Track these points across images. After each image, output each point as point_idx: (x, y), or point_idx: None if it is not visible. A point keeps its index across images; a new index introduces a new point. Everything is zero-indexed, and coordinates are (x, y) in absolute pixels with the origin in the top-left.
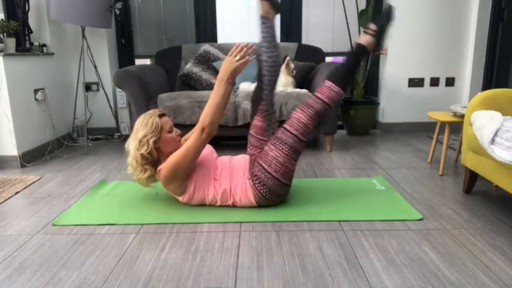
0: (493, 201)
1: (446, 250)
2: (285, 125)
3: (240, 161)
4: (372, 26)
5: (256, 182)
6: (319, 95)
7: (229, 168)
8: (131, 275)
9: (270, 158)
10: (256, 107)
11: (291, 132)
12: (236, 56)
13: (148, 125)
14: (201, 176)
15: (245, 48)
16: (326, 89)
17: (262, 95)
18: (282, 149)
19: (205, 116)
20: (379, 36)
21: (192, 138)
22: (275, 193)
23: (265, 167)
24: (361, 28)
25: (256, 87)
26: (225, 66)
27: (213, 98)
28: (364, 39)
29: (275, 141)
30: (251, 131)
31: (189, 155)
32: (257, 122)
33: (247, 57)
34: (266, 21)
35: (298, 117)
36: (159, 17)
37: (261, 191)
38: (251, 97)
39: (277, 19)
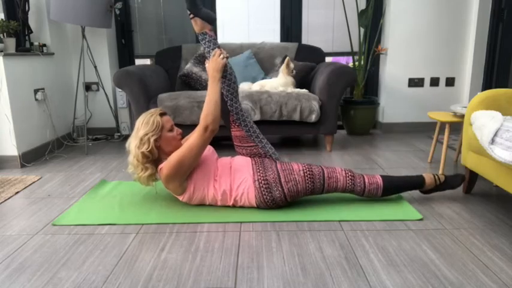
0: (493, 201)
1: (446, 250)
2: (326, 171)
3: (242, 162)
4: (442, 178)
5: (264, 185)
6: (367, 183)
7: (230, 170)
8: (131, 275)
9: (293, 178)
10: (228, 120)
11: (324, 181)
12: (220, 55)
13: (150, 124)
14: (201, 176)
15: (221, 50)
16: (375, 186)
17: (227, 107)
18: (307, 182)
19: (207, 114)
20: (439, 189)
21: (195, 136)
22: (276, 203)
23: (282, 180)
24: (361, 28)
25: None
26: (214, 65)
27: (211, 96)
28: (429, 180)
29: (308, 172)
30: (235, 143)
31: (193, 153)
32: (236, 132)
33: (225, 53)
34: (205, 36)
35: (338, 179)
36: (159, 17)
37: (264, 196)
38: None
39: (277, 19)
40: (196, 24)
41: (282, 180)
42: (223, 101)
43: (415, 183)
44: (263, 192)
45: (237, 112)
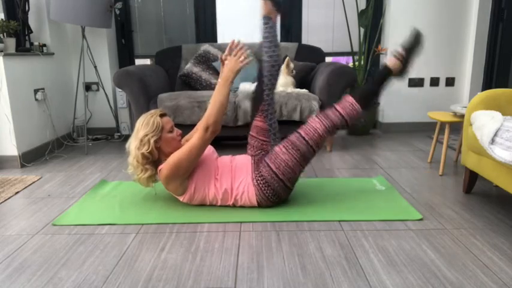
0: (493, 201)
1: (446, 250)
2: (301, 131)
3: (242, 161)
4: (400, 51)
5: (261, 182)
6: (340, 109)
7: (231, 168)
8: (131, 275)
9: (280, 160)
10: (257, 108)
11: (305, 140)
12: (240, 56)
13: (149, 125)
14: (202, 175)
15: (245, 48)
16: (348, 104)
17: (263, 95)
18: (294, 154)
19: (210, 115)
20: (406, 61)
21: (195, 136)
22: (277, 195)
23: (273, 168)
24: (361, 28)
25: (257, 88)
26: (231, 66)
27: (217, 97)
28: (391, 62)
29: (288, 145)
30: (252, 132)
31: (192, 154)
32: (258, 122)
33: (249, 58)
34: (268, 21)
35: (315, 128)
36: (159, 17)
37: (264, 191)
38: (251, 97)
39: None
40: (266, 7)
41: (273, 168)
42: (259, 89)
43: (382, 75)
44: (262, 188)
45: (270, 103)
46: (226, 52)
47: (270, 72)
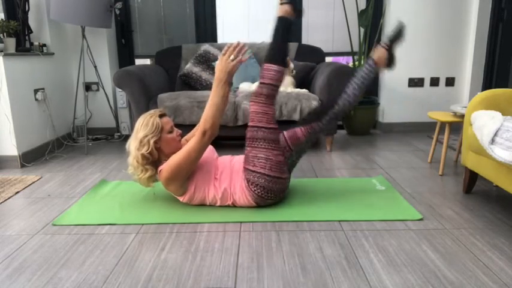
0: (493, 201)
1: (446, 250)
2: (249, 123)
3: (241, 161)
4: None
5: (250, 183)
6: (261, 80)
7: (230, 168)
8: (131, 275)
9: (251, 158)
10: (310, 121)
11: (255, 126)
12: (230, 55)
13: (149, 125)
14: (201, 176)
15: (238, 48)
16: (265, 71)
17: (324, 117)
18: (257, 145)
19: (206, 118)
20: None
21: (193, 140)
22: (270, 190)
23: (251, 167)
24: (361, 28)
25: (325, 106)
26: (221, 66)
27: (213, 99)
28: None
29: (248, 142)
30: (286, 133)
31: (191, 157)
32: (299, 132)
33: (241, 56)
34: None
35: (254, 110)
36: (159, 17)
37: (256, 192)
38: (313, 110)
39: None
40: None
41: (251, 168)
42: (328, 108)
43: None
44: (253, 189)
45: (321, 128)
46: (222, 53)
47: (348, 101)
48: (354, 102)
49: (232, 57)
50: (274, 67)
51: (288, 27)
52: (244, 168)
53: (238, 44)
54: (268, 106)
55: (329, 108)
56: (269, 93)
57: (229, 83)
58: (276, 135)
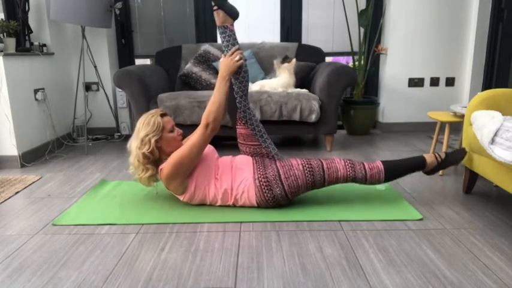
0: (493, 201)
1: (446, 250)
2: (324, 163)
3: (242, 161)
4: (443, 155)
5: (264, 183)
6: (367, 169)
7: (231, 168)
8: (131, 275)
9: (292, 173)
10: (235, 117)
11: (324, 173)
12: (236, 56)
13: (150, 125)
14: (202, 174)
15: (241, 51)
16: (376, 169)
17: (235, 103)
18: (307, 176)
19: (209, 112)
20: (441, 166)
21: (196, 134)
22: (276, 201)
23: (282, 176)
24: (361, 28)
25: (229, 97)
26: (226, 64)
27: (216, 95)
28: (430, 159)
29: (306, 166)
30: (239, 140)
31: (193, 152)
32: (240, 129)
33: (244, 58)
34: (225, 30)
35: (338, 169)
36: (159, 17)
37: (265, 193)
38: (227, 107)
39: (277, 19)
40: (219, 17)
41: (282, 176)
42: (232, 98)
43: (416, 163)
44: (263, 190)
45: (245, 110)
46: (227, 54)
47: (237, 79)
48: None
49: (237, 58)
50: (381, 176)
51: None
52: (275, 166)
53: (239, 49)
54: (344, 180)
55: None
56: (355, 178)
57: (229, 81)
58: (319, 186)
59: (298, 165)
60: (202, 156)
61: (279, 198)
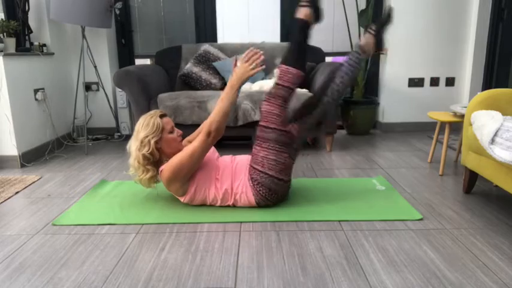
0: (493, 201)
1: (446, 250)
2: (261, 122)
3: (242, 161)
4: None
5: (255, 183)
6: (279, 81)
7: (231, 168)
8: (131, 275)
9: (261, 158)
10: (302, 116)
11: (268, 127)
12: (252, 63)
13: (150, 126)
14: (202, 176)
15: (258, 55)
16: (283, 73)
17: (315, 109)
18: (268, 146)
19: (213, 121)
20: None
21: (197, 141)
22: (274, 192)
23: (259, 168)
24: (361, 28)
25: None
26: (240, 73)
27: (223, 103)
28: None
29: (259, 141)
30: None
31: (194, 158)
32: (292, 129)
33: (260, 67)
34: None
35: (267, 110)
36: (159, 17)
37: (260, 192)
38: (304, 104)
39: (277, 19)
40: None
41: (260, 168)
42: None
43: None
44: (258, 189)
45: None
46: (243, 57)
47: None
48: (343, 91)
49: (253, 65)
50: (293, 70)
51: (307, 31)
52: (251, 167)
53: (259, 53)
54: (283, 108)
55: (319, 99)
56: (285, 96)
57: (238, 90)
58: (287, 138)
59: (256, 147)
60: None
61: (275, 187)
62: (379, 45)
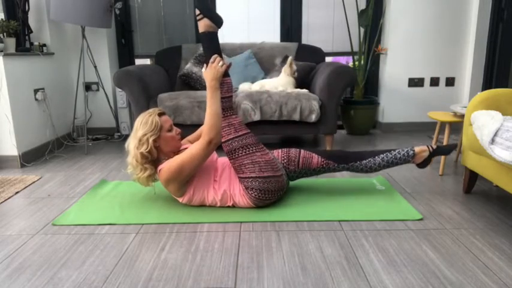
0: (493, 201)
1: (446, 250)
2: (221, 141)
3: None
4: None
5: (248, 189)
6: (223, 95)
7: (230, 170)
8: (131, 275)
9: (238, 167)
10: (331, 159)
11: (226, 141)
12: (219, 62)
13: (148, 124)
14: (201, 178)
15: (220, 58)
16: (223, 85)
17: (345, 163)
18: (238, 155)
19: (210, 127)
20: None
21: (198, 146)
22: (267, 190)
23: (242, 175)
24: (361, 28)
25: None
26: (212, 74)
27: (212, 107)
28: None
29: (228, 156)
30: (303, 152)
31: (194, 162)
32: (315, 160)
33: (226, 62)
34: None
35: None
36: (159, 17)
37: (253, 195)
38: (341, 152)
39: (277, 19)
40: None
41: (242, 175)
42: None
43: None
44: (249, 192)
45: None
46: (209, 64)
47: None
48: (373, 171)
49: (221, 63)
50: (227, 80)
51: (216, 39)
52: (239, 178)
53: (216, 58)
54: (230, 117)
55: (354, 160)
56: (226, 106)
57: (219, 88)
58: (250, 138)
59: (231, 161)
60: None
61: (265, 186)
62: (425, 164)
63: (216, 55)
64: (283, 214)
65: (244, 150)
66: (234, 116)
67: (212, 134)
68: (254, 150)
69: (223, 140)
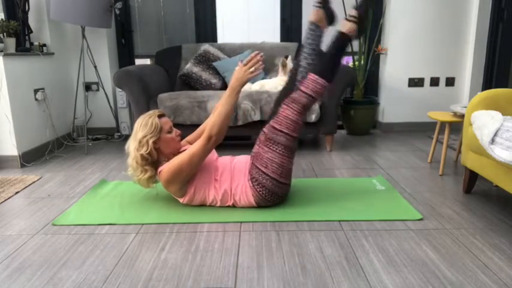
0: (493, 201)
1: (446, 250)
2: (274, 124)
3: (242, 161)
4: (353, 13)
5: (255, 183)
6: (304, 89)
7: (230, 169)
8: (131, 275)
9: (266, 159)
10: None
11: (281, 131)
12: (251, 67)
13: (148, 126)
14: (201, 178)
15: (258, 57)
16: (311, 82)
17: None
18: (276, 149)
19: (214, 124)
20: (361, 21)
21: (197, 144)
22: (274, 194)
23: (262, 169)
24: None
25: (284, 89)
26: (239, 76)
27: (224, 107)
28: (346, 26)
29: (268, 143)
30: (265, 128)
31: (194, 161)
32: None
33: (258, 70)
34: (316, 29)
35: (286, 115)
36: (159, 17)
37: (260, 192)
38: (276, 99)
39: (277, 19)
40: (317, 15)
41: (263, 169)
42: (285, 90)
43: (339, 41)
44: (258, 190)
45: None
46: (244, 62)
47: (302, 79)
48: (312, 69)
49: (252, 69)
50: (321, 81)
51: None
52: (253, 165)
53: (260, 54)
54: (301, 116)
55: (290, 89)
56: (306, 104)
57: (240, 92)
58: (295, 144)
59: (262, 147)
60: None
61: (275, 189)
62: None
63: (257, 52)
64: (283, 214)
65: (283, 150)
66: (302, 118)
67: (214, 131)
68: (288, 155)
69: (276, 127)
